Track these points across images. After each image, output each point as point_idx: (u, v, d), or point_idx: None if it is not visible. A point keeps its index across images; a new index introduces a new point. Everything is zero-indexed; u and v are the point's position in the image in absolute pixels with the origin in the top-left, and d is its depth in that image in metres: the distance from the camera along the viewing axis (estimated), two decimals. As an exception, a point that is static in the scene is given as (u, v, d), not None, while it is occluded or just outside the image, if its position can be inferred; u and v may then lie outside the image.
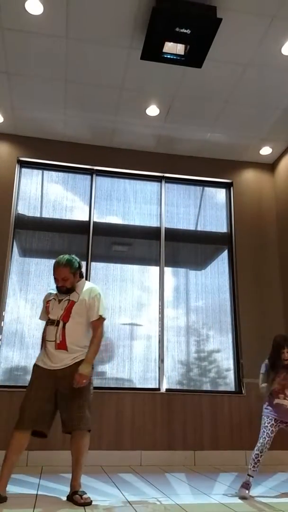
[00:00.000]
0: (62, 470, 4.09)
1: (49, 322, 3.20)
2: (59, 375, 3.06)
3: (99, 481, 3.70)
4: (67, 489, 3.05)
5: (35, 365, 3.17)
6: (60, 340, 3.10)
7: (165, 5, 3.51)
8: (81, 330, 3.16)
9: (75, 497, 2.90)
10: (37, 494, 3.16)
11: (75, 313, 3.15)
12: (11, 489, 3.17)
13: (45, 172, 5.61)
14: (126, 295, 5.32)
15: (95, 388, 4.84)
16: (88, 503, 2.87)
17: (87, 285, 3.31)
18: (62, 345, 3.10)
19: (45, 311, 3.29)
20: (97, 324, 3.19)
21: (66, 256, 3.23)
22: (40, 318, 3.38)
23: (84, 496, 2.90)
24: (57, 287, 3.24)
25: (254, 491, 3.37)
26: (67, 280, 3.18)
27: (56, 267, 3.19)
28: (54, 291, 3.30)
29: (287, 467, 4.61)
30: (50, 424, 3.07)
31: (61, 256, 3.25)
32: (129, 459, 4.60)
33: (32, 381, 3.12)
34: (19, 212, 5.39)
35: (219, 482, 3.80)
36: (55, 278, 3.20)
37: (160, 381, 5.04)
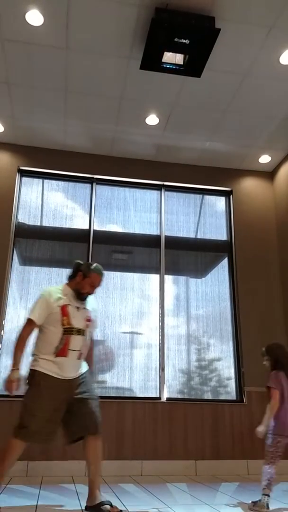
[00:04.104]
0: (62, 481, 4.06)
1: (75, 331, 3.04)
2: (74, 383, 3.03)
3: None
4: (67, 500, 3.02)
5: (44, 374, 2.96)
6: (83, 350, 3.10)
7: (164, 16, 3.55)
8: None
9: (105, 507, 2.81)
10: (37, 505, 3.13)
11: (90, 323, 3.19)
12: (10, 499, 3.15)
13: (46, 181, 5.64)
14: (126, 303, 5.32)
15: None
16: None
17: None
18: (82, 355, 3.11)
19: (61, 316, 3.02)
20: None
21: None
22: (38, 320, 3.03)
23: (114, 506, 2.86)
24: (80, 293, 3.10)
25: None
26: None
27: (102, 276, 3.13)
28: (58, 293, 3.09)
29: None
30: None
31: (96, 264, 3.14)
32: (130, 469, 4.56)
33: (41, 391, 2.94)
34: (20, 220, 5.40)
35: (221, 492, 3.77)
36: (92, 287, 3.11)
37: (160, 390, 5.01)
